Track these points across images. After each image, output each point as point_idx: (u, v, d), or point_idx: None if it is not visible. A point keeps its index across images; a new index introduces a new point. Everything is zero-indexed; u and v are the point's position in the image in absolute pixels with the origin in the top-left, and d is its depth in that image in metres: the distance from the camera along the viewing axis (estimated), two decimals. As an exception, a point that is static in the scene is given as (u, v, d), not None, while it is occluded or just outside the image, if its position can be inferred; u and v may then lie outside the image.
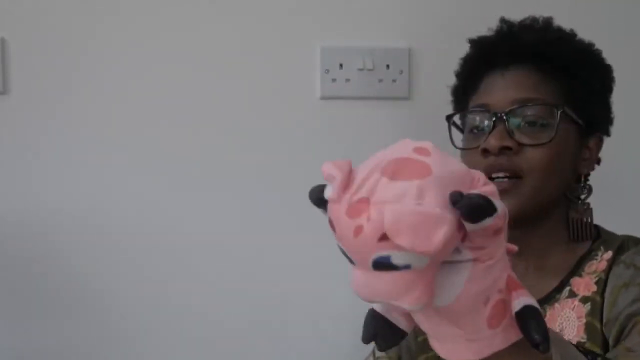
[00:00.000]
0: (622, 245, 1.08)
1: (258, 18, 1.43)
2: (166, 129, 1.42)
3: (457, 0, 1.47)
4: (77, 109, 1.40)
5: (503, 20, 1.16)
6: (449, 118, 1.18)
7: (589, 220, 1.12)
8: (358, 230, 0.54)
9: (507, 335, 0.61)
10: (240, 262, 1.44)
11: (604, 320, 1.02)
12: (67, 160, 1.40)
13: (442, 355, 0.63)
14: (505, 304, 0.60)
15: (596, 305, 1.04)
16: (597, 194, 1.13)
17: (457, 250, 0.57)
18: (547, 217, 1.10)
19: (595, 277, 1.07)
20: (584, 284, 1.07)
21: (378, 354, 1.27)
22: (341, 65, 1.43)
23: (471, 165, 0.78)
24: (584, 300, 1.05)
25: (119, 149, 1.41)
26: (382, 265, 0.54)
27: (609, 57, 1.15)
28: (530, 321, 0.59)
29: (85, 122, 1.40)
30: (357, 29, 1.45)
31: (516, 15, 1.16)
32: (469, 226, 0.55)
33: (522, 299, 0.60)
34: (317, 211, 1.61)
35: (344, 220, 0.55)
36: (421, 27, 1.46)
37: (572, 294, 1.07)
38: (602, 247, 1.10)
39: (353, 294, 0.58)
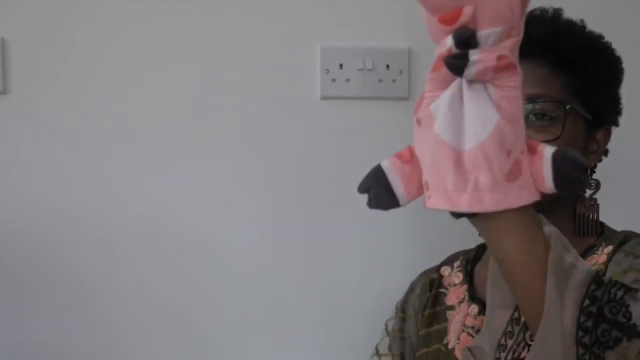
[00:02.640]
0: (624, 240, 1.08)
1: (258, 18, 1.43)
2: (166, 129, 1.42)
3: (457, 0, 1.47)
4: (77, 109, 1.40)
5: None
6: None
7: (595, 217, 1.12)
8: None
9: (520, 196, 0.70)
10: (240, 261, 1.44)
11: None
12: (67, 161, 1.40)
13: (464, 208, 0.69)
14: (522, 165, 0.70)
15: None
16: (604, 187, 1.13)
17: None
18: (554, 210, 1.10)
19: (594, 269, 1.07)
20: None
21: (381, 351, 1.28)
22: (341, 65, 1.43)
23: None
24: None
25: (120, 148, 1.41)
26: None
27: (621, 46, 1.14)
28: (567, 156, 0.69)
29: (85, 122, 1.40)
30: (357, 29, 1.45)
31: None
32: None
33: (549, 147, 0.70)
34: (318, 211, 1.59)
35: None
36: (421, 27, 1.44)
37: None
38: (603, 243, 1.10)
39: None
